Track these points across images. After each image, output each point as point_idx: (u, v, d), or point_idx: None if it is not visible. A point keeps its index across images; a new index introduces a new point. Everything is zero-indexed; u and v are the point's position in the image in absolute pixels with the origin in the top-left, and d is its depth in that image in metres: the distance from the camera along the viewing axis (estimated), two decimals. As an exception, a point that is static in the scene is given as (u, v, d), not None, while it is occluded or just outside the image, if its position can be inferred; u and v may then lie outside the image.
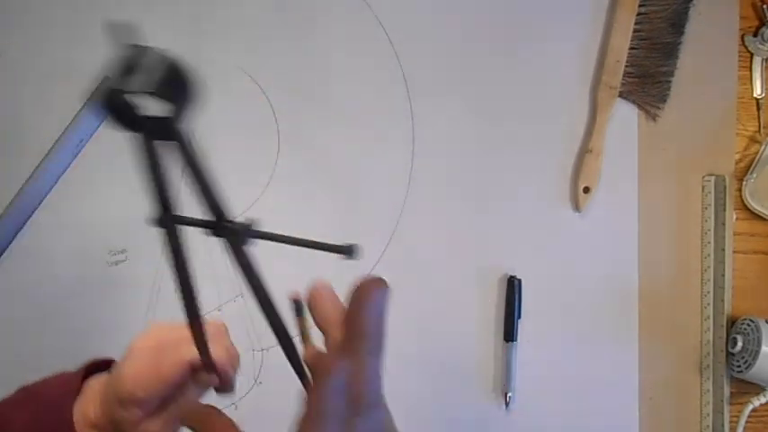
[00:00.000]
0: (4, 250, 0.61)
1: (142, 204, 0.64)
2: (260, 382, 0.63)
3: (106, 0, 0.62)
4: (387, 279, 0.65)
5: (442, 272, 0.64)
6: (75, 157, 0.61)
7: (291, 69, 0.63)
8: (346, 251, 0.32)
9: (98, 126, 0.62)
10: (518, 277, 0.64)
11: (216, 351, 0.42)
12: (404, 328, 0.64)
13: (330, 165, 0.64)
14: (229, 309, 0.63)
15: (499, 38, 0.65)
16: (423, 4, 0.64)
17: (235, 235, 0.32)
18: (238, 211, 0.63)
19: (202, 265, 0.62)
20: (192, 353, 0.41)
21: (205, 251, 0.62)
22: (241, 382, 0.62)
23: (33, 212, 0.61)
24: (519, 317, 0.64)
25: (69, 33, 0.61)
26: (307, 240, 0.33)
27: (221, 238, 0.32)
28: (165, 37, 0.62)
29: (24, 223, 0.61)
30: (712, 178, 0.66)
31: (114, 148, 0.62)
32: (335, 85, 0.64)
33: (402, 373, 0.64)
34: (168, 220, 0.30)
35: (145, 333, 0.43)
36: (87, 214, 0.61)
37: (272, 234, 0.33)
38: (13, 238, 0.61)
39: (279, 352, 0.63)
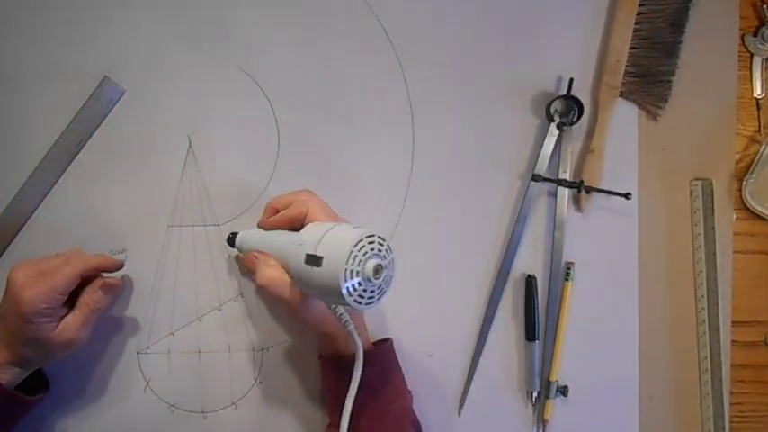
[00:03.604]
0: (4, 250, 0.61)
1: (142, 204, 0.65)
2: (260, 382, 0.63)
3: (107, 0, 0.62)
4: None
5: (443, 272, 0.65)
6: (75, 157, 0.61)
7: (291, 69, 0.63)
8: None
9: (98, 126, 0.62)
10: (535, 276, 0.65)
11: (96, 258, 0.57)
12: (407, 328, 0.64)
13: (330, 165, 0.64)
14: (229, 309, 0.63)
15: (499, 38, 0.65)
16: (423, 4, 0.64)
17: None
18: (237, 212, 0.63)
19: (203, 264, 0.62)
20: (80, 267, 0.54)
21: (206, 251, 0.62)
22: (241, 382, 0.62)
23: (33, 212, 0.61)
24: (538, 316, 0.64)
25: (69, 33, 0.61)
26: None
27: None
28: (165, 37, 0.62)
29: (24, 223, 0.61)
30: (699, 183, 0.66)
31: (114, 149, 0.62)
32: (335, 86, 0.64)
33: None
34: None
35: (15, 272, 0.52)
36: (87, 214, 0.61)
37: None
38: (13, 238, 0.61)
39: (279, 352, 0.63)
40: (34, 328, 0.52)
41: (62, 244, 0.59)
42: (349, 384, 0.52)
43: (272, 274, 0.52)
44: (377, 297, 0.47)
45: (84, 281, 0.55)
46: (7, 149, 0.61)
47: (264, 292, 0.60)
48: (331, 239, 0.47)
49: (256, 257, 0.54)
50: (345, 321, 0.51)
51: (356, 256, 0.45)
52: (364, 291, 0.46)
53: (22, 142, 0.61)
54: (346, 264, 0.45)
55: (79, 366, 0.61)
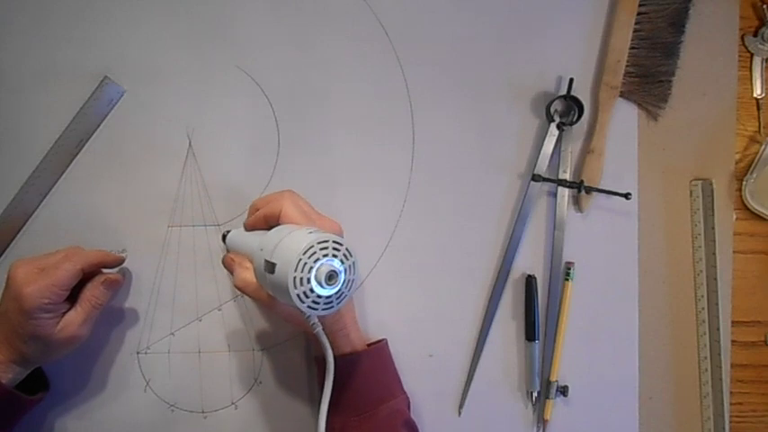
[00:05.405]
0: (4, 250, 0.61)
1: (142, 204, 0.65)
2: (260, 382, 0.63)
3: (107, 0, 0.62)
4: (386, 281, 0.66)
5: (443, 272, 0.65)
6: (75, 157, 0.61)
7: (291, 69, 0.63)
8: None
9: (98, 126, 0.62)
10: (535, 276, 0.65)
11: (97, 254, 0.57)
12: (407, 328, 0.64)
13: (330, 165, 0.64)
14: (229, 309, 0.63)
15: (499, 38, 0.65)
16: (423, 4, 0.64)
17: None
18: (237, 212, 0.63)
19: (203, 264, 0.62)
20: (81, 262, 0.54)
21: (206, 251, 0.62)
22: (241, 382, 0.62)
23: (34, 212, 0.61)
24: (538, 316, 0.64)
25: (69, 33, 0.61)
26: None
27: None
28: (165, 37, 0.62)
29: (25, 223, 0.61)
30: (699, 183, 0.66)
31: (115, 148, 0.62)
32: (336, 86, 0.64)
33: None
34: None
35: (16, 269, 0.52)
36: (87, 214, 0.62)
37: None
38: (13, 238, 0.61)
39: (279, 352, 0.63)
40: (36, 325, 0.52)
41: (62, 244, 0.59)
42: (338, 385, 0.52)
43: (245, 276, 0.51)
44: (335, 302, 0.47)
45: (85, 277, 0.55)
46: (7, 149, 0.61)
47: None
48: (285, 245, 0.47)
49: (233, 260, 0.54)
50: (313, 324, 0.50)
51: (305, 263, 0.45)
52: (318, 297, 0.46)
53: (22, 142, 0.61)
54: (295, 271, 0.45)
55: (79, 366, 0.61)
